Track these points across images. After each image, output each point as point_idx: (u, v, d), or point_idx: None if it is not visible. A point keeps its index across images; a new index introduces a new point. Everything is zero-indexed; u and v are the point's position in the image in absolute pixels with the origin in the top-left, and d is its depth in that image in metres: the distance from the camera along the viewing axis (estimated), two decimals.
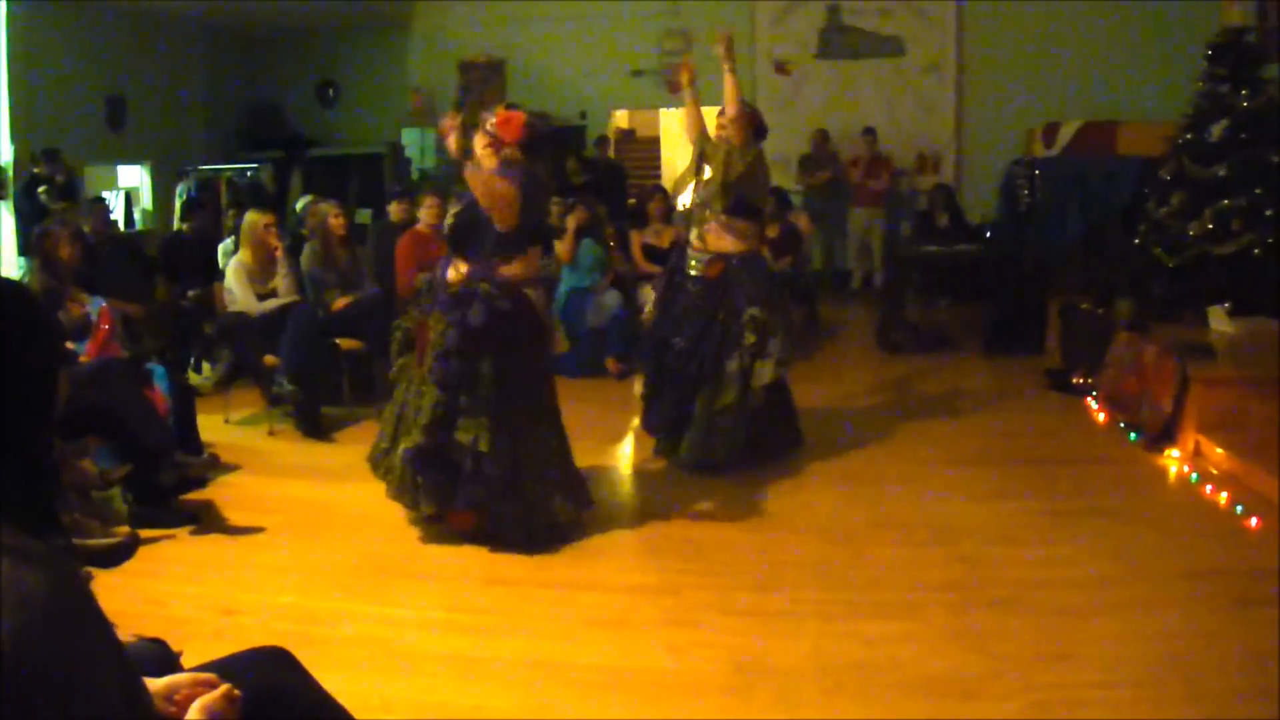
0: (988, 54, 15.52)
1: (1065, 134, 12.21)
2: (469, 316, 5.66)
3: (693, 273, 7.25)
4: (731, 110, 7.19)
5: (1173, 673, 4.38)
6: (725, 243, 7.17)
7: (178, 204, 13.71)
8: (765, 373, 7.02)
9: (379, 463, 6.15)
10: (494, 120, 5.85)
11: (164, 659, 2.73)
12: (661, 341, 7.34)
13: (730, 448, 7.11)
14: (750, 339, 6.99)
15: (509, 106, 6.03)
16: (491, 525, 5.79)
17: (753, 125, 7.24)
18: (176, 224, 13.00)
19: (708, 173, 7.31)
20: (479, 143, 5.87)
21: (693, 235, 7.34)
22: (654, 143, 19.77)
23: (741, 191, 7.07)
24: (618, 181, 14.88)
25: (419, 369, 5.95)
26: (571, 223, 10.73)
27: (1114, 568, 5.49)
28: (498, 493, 5.68)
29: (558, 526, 5.86)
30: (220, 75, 16.37)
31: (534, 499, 5.77)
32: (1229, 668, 4.41)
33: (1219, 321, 8.89)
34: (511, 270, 5.76)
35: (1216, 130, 9.35)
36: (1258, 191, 9.06)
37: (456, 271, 5.86)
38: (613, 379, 9.98)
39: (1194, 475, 6.92)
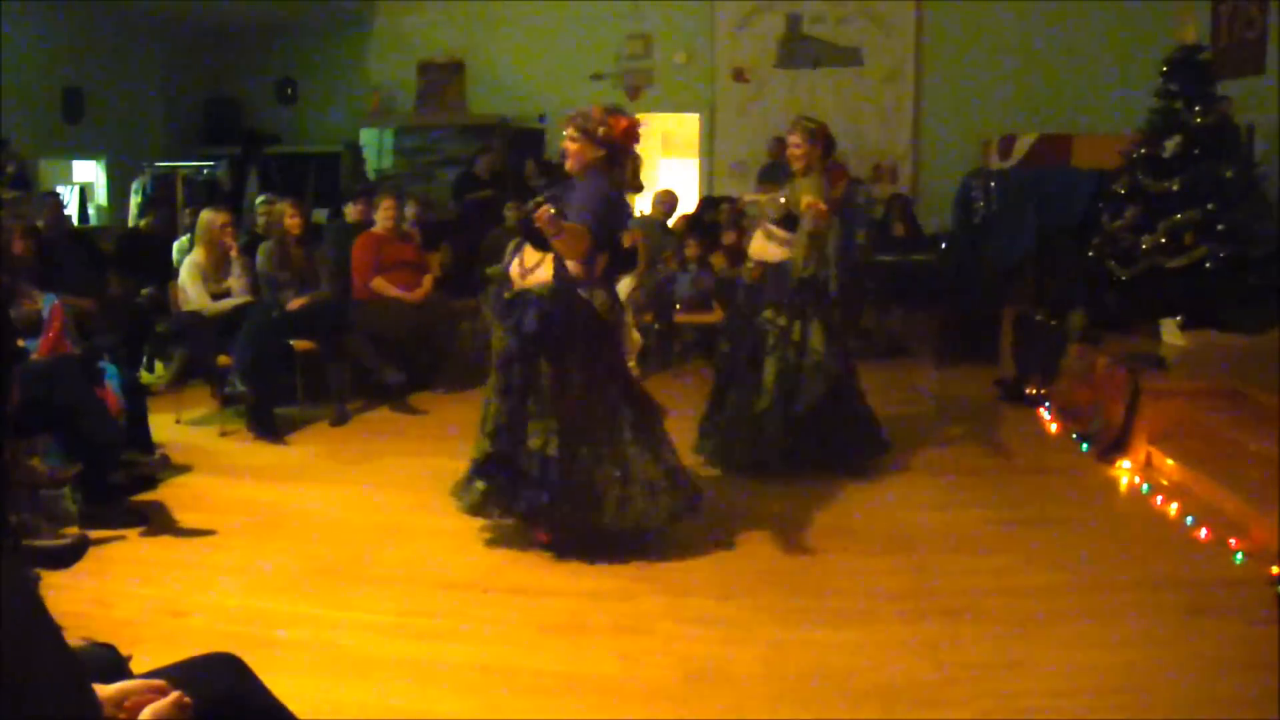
0: (946, 66, 15.62)
1: (1021, 146, 12.27)
2: (524, 322, 5.58)
3: (745, 280, 7.54)
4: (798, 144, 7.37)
5: (1124, 682, 4.43)
6: (768, 251, 7.34)
7: (133, 200, 13.65)
8: (812, 383, 7.11)
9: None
10: (607, 120, 5.80)
11: (113, 664, 2.73)
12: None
13: (768, 450, 7.19)
14: (770, 339, 7.12)
15: (611, 111, 5.94)
16: (553, 531, 5.77)
17: (821, 145, 7.39)
18: (132, 220, 12.95)
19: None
20: (572, 136, 5.79)
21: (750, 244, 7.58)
22: None
23: (794, 210, 7.19)
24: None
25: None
26: (509, 223, 10.82)
27: (1066, 577, 5.55)
28: (560, 498, 5.60)
29: (627, 533, 5.74)
30: (179, 70, 16.26)
31: (603, 505, 5.65)
32: (1180, 677, 4.46)
33: (1171, 334, 8.97)
34: (571, 272, 5.61)
35: (1170, 145, 9.44)
36: (1210, 206, 9.15)
37: (521, 266, 5.76)
38: None
39: (1145, 486, 7.00)
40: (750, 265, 7.49)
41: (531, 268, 5.67)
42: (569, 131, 5.79)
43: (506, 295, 5.78)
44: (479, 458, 5.81)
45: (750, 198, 8.12)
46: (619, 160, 5.88)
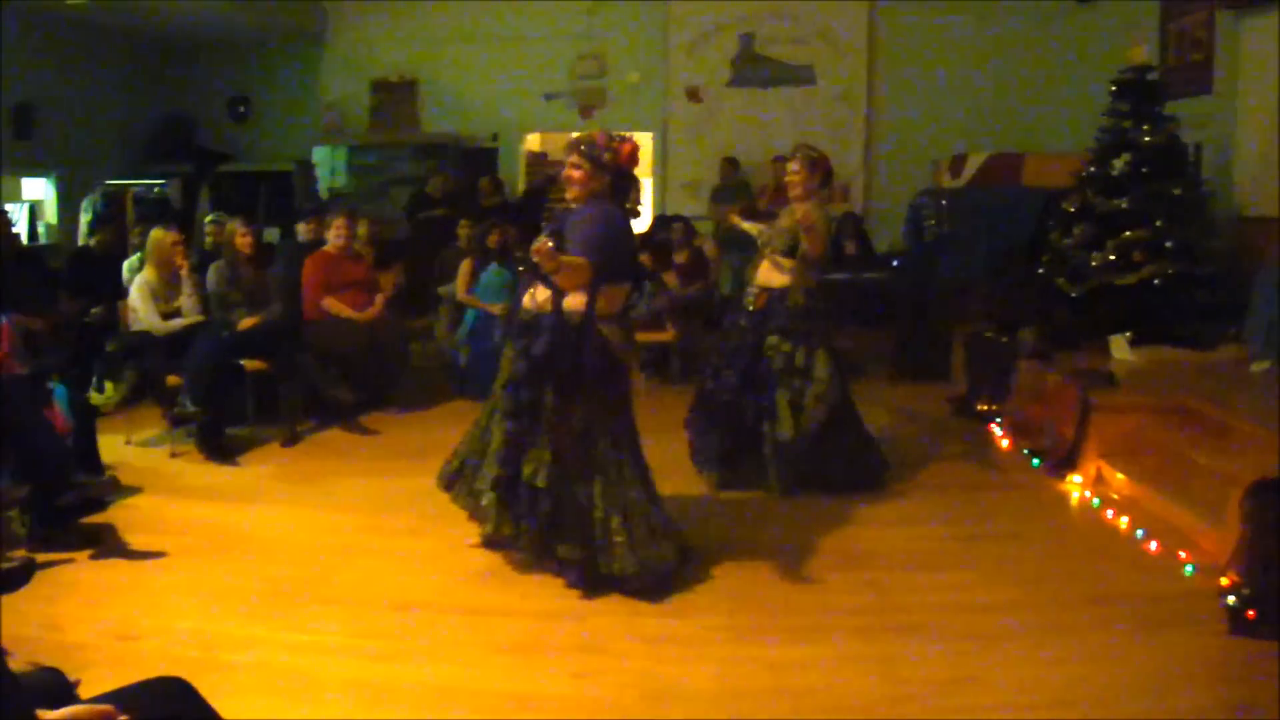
0: (898, 86, 15.76)
1: (972, 165, 12.36)
2: (533, 346, 5.52)
3: (748, 307, 7.44)
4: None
5: (1077, 695, 4.48)
6: (773, 278, 7.33)
7: (84, 218, 13.53)
8: (814, 412, 7.16)
9: (454, 482, 6.04)
10: (612, 145, 5.71)
11: (60, 688, 2.71)
12: (714, 375, 7.54)
13: (795, 476, 7.23)
14: (776, 365, 7.15)
15: (615, 136, 5.82)
16: (548, 560, 5.69)
17: (820, 173, 7.42)
18: (82, 239, 12.83)
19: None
20: (576, 164, 5.67)
21: (755, 272, 7.53)
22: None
23: (799, 241, 7.21)
24: (541, 194, 14.83)
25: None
26: (463, 242, 10.84)
27: (1018, 592, 5.60)
28: (550, 531, 5.55)
29: (632, 579, 5.54)
30: (131, 87, 16.12)
31: (611, 548, 5.50)
32: (1131, 689, 4.52)
33: (1120, 350, 9.07)
34: (574, 303, 5.51)
35: (1119, 164, 9.57)
36: (1158, 224, 9.29)
37: (533, 299, 5.67)
38: None
39: (1096, 500, 7.07)
40: (755, 292, 7.45)
41: (543, 301, 5.59)
42: (573, 159, 5.68)
43: (523, 317, 5.71)
44: (493, 478, 5.74)
45: (746, 226, 8.10)
46: (624, 185, 5.83)
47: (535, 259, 5.29)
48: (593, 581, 5.53)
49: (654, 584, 5.55)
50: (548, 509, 5.51)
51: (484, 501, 5.76)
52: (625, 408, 5.83)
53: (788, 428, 7.13)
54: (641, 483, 5.76)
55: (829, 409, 7.19)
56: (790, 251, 7.26)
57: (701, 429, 7.61)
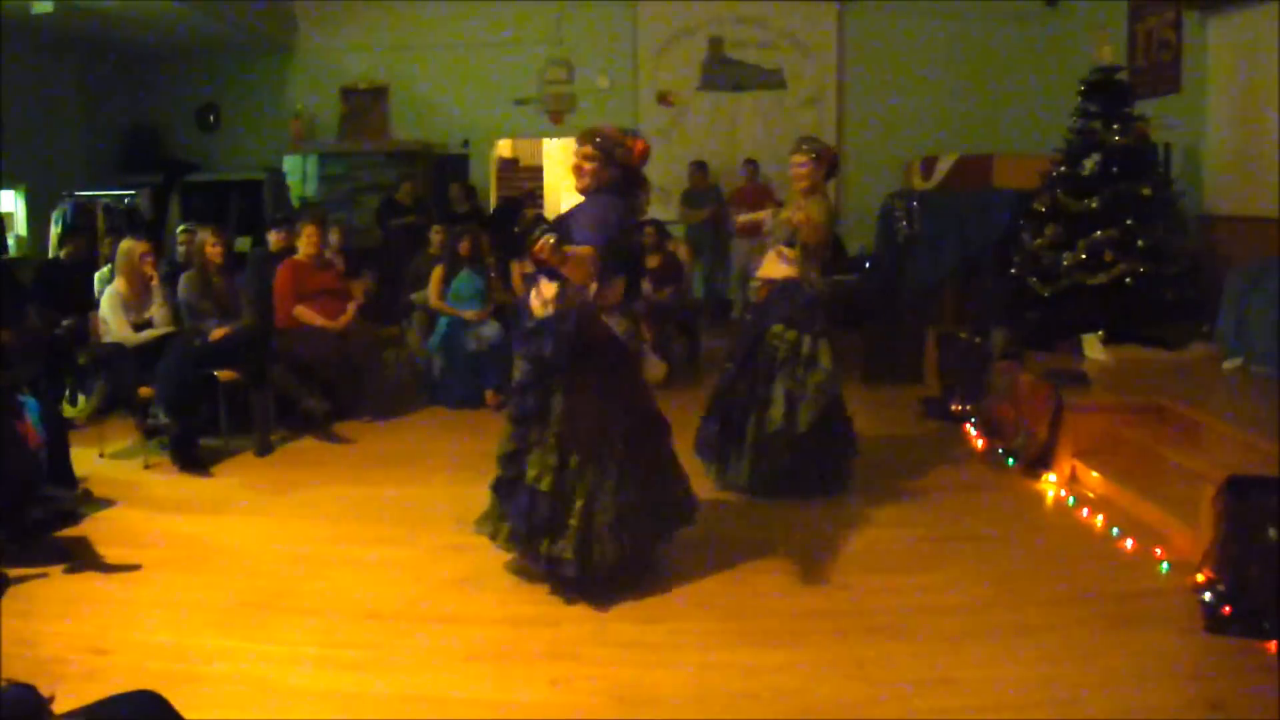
0: (867, 89, 15.83)
1: (942, 167, 12.37)
2: (542, 348, 5.51)
3: (751, 299, 7.60)
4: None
5: (1052, 694, 4.49)
6: (776, 270, 7.37)
7: (53, 230, 13.46)
8: (814, 402, 7.15)
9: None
10: (625, 141, 5.71)
11: (34, 706, 2.69)
12: (724, 369, 7.64)
13: (776, 474, 7.24)
14: (780, 354, 7.16)
15: (628, 132, 5.83)
16: (539, 563, 5.63)
17: (825, 166, 7.42)
18: (52, 250, 12.77)
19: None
20: (589, 155, 5.65)
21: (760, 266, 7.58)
22: (537, 172, 19.76)
23: (799, 236, 7.24)
24: (512, 212, 14.81)
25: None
26: (434, 249, 10.84)
27: (993, 592, 5.61)
28: (544, 534, 5.52)
29: (617, 568, 5.58)
30: (99, 97, 16.03)
31: (601, 542, 5.51)
32: (1107, 688, 4.53)
33: (1092, 349, 9.11)
34: (581, 297, 5.51)
35: (1089, 164, 9.60)
36: (1128, 223, 9.32)
37: (540, 296, 5.63)
38: (492, 410, 9.93)
39: (1070, 499, 7.11)
40: (757, 285, 7.53)
41: (551, 298, 5.56)
42: (585, 150, 5.66)
43: (529, 325, 5.69)
44: (494, 482, 5.81)
45: (745, 218, 8.13)
46: (632, 183, 5.82)
47: (540, 257, 5.23)
48: (582, 580, 5.53)
49: (609, 580, 5.59)
50: (545, 513, 5.49)
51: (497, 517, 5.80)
52: (638, 394, 5.85)
53: (779, 416, 7.12)
54: (650, 466, 5.76)
55: (827, 400, 7.19)
56: (792, 242, 7.28)
57: (708, 422, 7.61)
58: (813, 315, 7.22)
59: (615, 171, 5.67)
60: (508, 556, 5.90)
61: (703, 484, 7.04)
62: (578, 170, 5.72)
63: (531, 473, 5.54)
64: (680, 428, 6.38)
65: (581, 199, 5.76)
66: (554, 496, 5.49)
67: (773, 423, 7.14)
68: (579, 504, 5.49)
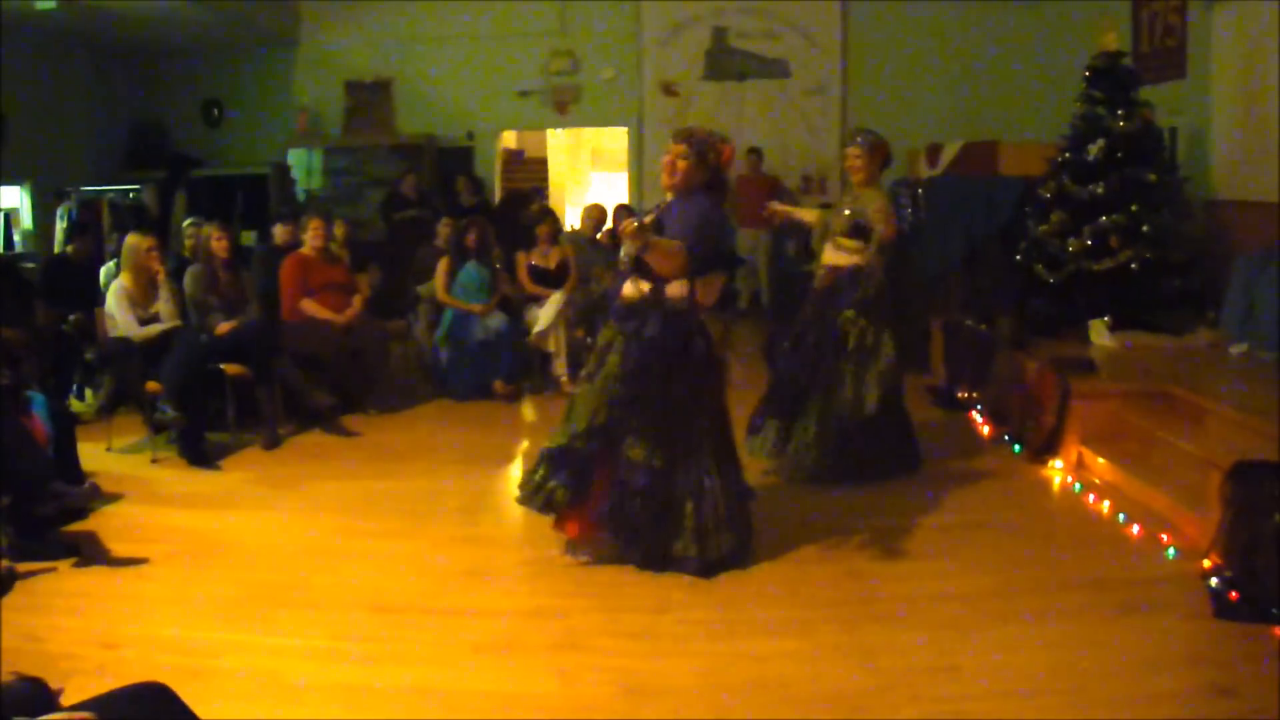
0: (872, 77, 15.78)
1: (948, 154, 12.35)
2: (645, 328, 5.53)
3: (816, 284, 7.59)
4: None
5: (1060, 681, 4.48)
6: (839, 258, 7.44)
7: (59, 226, 13.47)
8: (876, 390, 7.24)
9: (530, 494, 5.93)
10: (717, 142, 5.74)
11: (42, 699, 2.70)
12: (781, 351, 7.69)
13: (842, 461, 7.28)
14: (850, 341, 7.20)
15: (719, 136, 5.85)
16: (618, 541, 5.71)
17: (880, 158, 7.53)
18: (58, 246, 12.79)
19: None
20: (684, 154, 5.66)
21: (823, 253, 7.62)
22: (542, 164, 19.77)
23: (860, 220, 7.32)
24: (519, 205, 14.82)
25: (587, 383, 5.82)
26: (441, 241, 10.89)
27: (1000, 579, 5.62)
28: (651, 513, 5.59)
29: (691, 561, 5.64)
30: (103, 93, 16.05)
31: (682, 531, 5.61)
32: (1115, 674, 4.54)
33: (1099, 336, 9.11)
34: (676, 290, 5.55)
35: (1094, 150, 9.59)
36: (1134, 209, 9.31)
37: (636, 288, 5.67)
38: (500, 401, 9.94)
39: (1077, 486, 7.12)
40: (822, 272, 7.56)
41: (648, 291, 5.61)
42: (680, 149, 5.67)
43: (627, 304, 5.71)
44: (554, 448, 5.73)
45: (798, 214, 8.14)
46: (718, 187, 5.82)
47: (624, 237, 5.27)
48: (661, 562, 5.63)
49: (707, 569, 5.64)
50: (659, 491, 5.56)
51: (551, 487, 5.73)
52: (720, 395, 5.86)
53: (848, 399, 7.22)
54: (723, 473, 5.75)
55: (886, 391, 7.28)
56: (853, 233, 7.34)
57: (768, 409, 7.63)
58: (882, 304, 7.30)
59: (705, 175, 5.70)
60: (516, 549, 5.90)
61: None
62: (670, 168, 5.72)
63: (638, 452, 5.57)
64: None
65: (671, 197, 5.80)
66: (663, 477, 5.56)
67: (842, 405, 7.22)
68: (688, 500, 5.58)
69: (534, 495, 5.79)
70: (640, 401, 5.58)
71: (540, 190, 18.13)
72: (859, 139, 7.47)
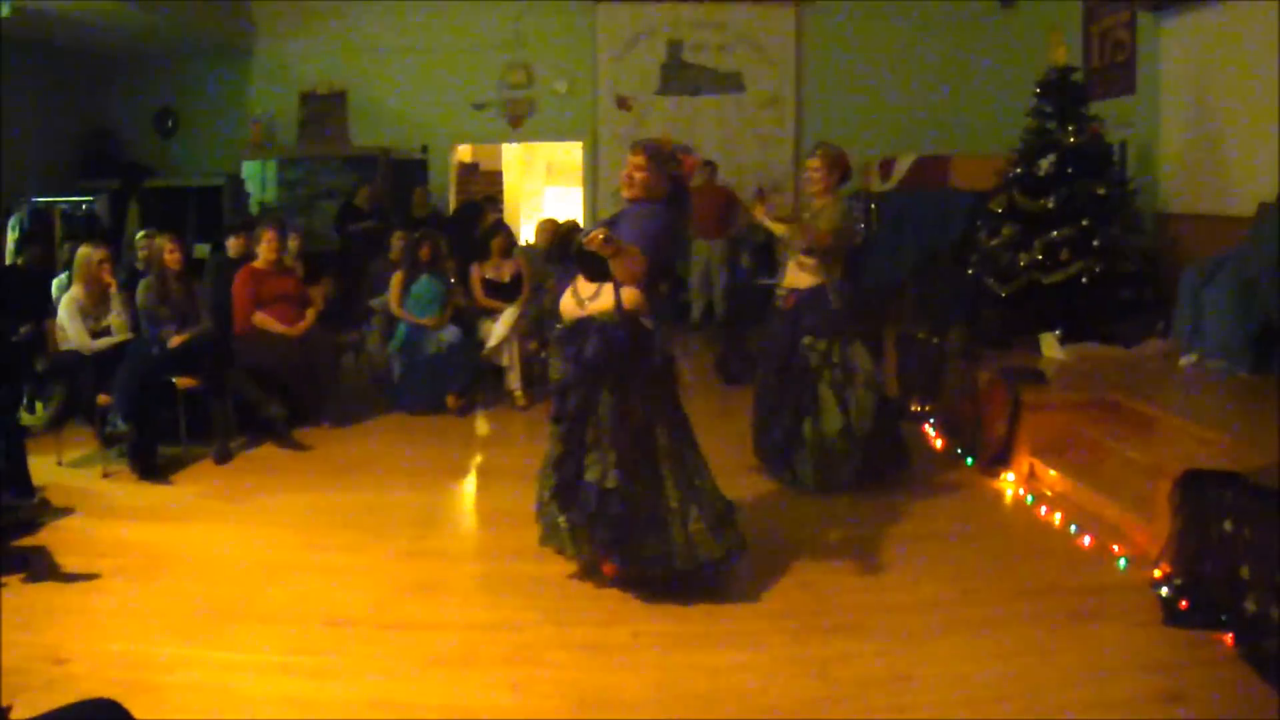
0: (825, 91, 15.91)
1: (900, 168, 12.47)
2: (584, 349, 5.44)
3: (778, 305, 7.63)
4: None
5: (1014, 690, 4.52)
6: (800, 279, 7.46)
7: (10, 236, 13.36)
8: (866, 401, 7.32)
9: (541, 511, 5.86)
10: (678, 156, 5.72)
11: None
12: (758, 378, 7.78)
13: (844, 471, 7.35)
14: (813, 364, 7.28)
15: (682, 149, 5.85)
16: (627, 566, 5.61)
17: (839, 171, 7.52)
18: (9, 257, 12.69)
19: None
20: (641, 165, 5.61)
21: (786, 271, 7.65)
22: (496, 176, 19.77)
23: (814, 245, 7.36)
24: (472, 217, 14.80)
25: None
26: (395, 254, 10.86)
27: (952, 589, 5.65)
28: (626, 532, 5.48)
29: (702, 567, 5.59)
30: (55, 102, 15.88)
31: (674, 538, 5.52)
32: (1068, 682, 4.58)
33: (1049, 348, 9.18)
34: (629, 298, 5.43)
35: (1044, 164, 9.69)
36: (1084, 222, 9.41)
37: (576, 296, 5.58)
38: (452, 415, 9.92)
39: (1029, 497, 7.17)
40: (783, 294, 7.59)
41: (590, 297, 5.52)
42: (638, 160, 5.62)
43: (564, 325, 5.66)
44: (548, 490, 5.69)
45: (771, 225, 8.14)
46: (679, 200, 5.79)
47: (591, 248, 5.21)
48: (669, 576, 5.55)
49: (724, 571, 5.66)
50: (618, 511, 5.45)
51: (561, 523, 5.66)
52: (677, 399, 5.80)
53: (835, 423, 7.28)
54: (702, 476, 5.72)
55: (875, 399, 7.38)
56: (811, 251, 7.37)
57: (768, 431, 7.68)
58: (838, 321, 7.33)
59: (665, 187, 5.67)
60: (469, 563, 5.89)
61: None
62: (629, 180, 5.67)
63: (593, 474, 5.49)
64: None
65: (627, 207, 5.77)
66: (624, 494, 5.45)
67: (831, 429, 7.28)
68: (655, 503, 5.51)
69: (549, 537, 5.79)
70: (585, 419, 5.51)
71: (494, 200, 18.12)
72: (817, 151, 7.50)
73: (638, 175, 5.63)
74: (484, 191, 18.56)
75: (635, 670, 4.78)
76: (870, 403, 7.35)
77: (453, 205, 16.32)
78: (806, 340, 7.31)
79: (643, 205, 5.65)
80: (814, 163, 7.48)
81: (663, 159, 5.66)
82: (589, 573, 5.78)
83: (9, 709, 2.77)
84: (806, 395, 7.34)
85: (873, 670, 4.74)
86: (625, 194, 5.74)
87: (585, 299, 5.53)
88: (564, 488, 5.60)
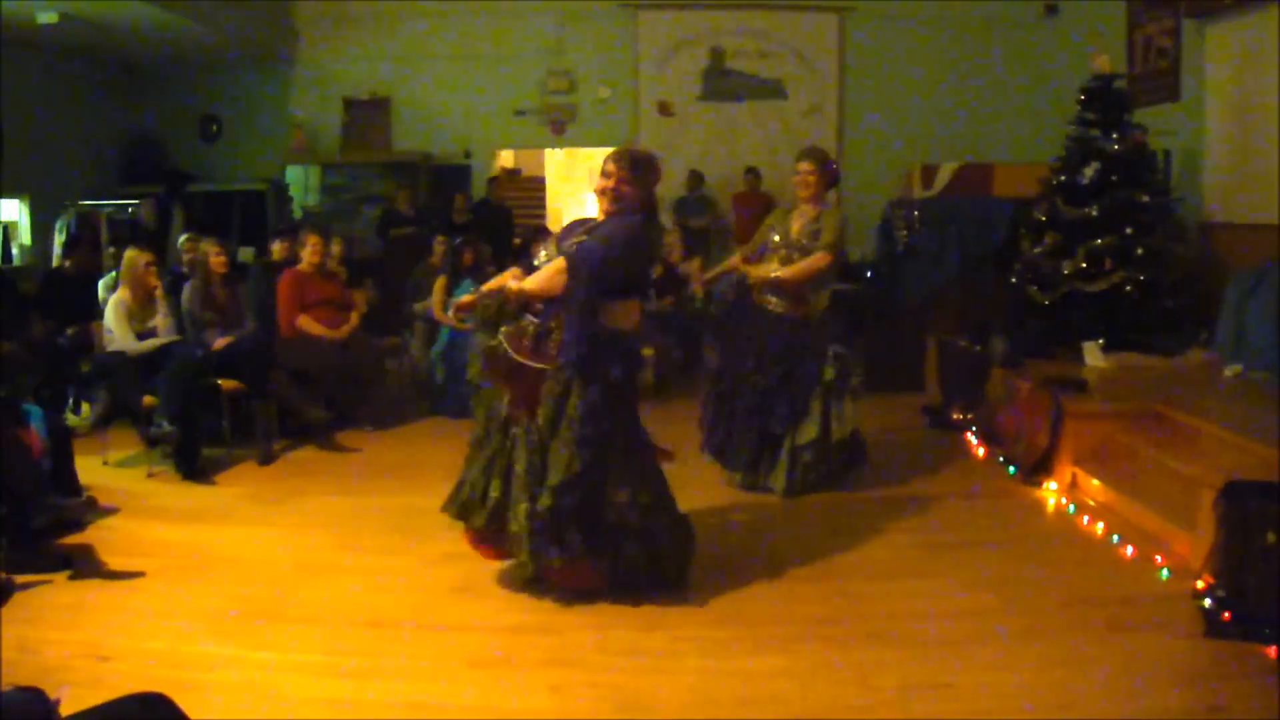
0: (867, 98, 15.88)
1: (943, 176, 12.41)
2: (611, 372, 5.38)
3: (772, 310, 7.50)
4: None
5: (1051, 700, 4.50)
6: (773, 270, 7.45)
7: (57, 240, 13.46)
8: (848, 410, 7.42)
9: (473, 511, 5.75)
10: (656, 167, 5.77)
11: (39, 709, 2.71)
12: (734, 372, 7.59)
13: (813, 478, 7.43)
14: (830, 374, 7.32)
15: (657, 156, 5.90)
16: (620, 573, 5.57)
17: (829, 178, 7.59)
18: (55, 260, 12.78)
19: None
20: (625, 178, 5.56)
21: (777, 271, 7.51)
22: (539, 183, 19.80)
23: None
24: (503, 222, 14.86)
25: (528, 420, 5.50)
26: (436, 259, 10.91)
27: (992, 598, 5.63)
28: (631, 540, 5.51)
29: (684, 570, 5.72)
30: (101, 108, 16.02)
31: (661, 543, 5.60)
32: (1107, 693, 4.55)
33: (1092, 357, 9.13)
34: (620, 313, 5.50)
35: (1088, 172, 9.63)
36: (1128, 231, 9.35)
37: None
38: None
39: (1071, 506, 7.14)
40: (774, 301, 7.55)
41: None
42: (621, 173, 5.57)
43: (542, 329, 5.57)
44: (549, 507, 5.38)
45: (722, 268, 8.15)
46: (650, 208, 5.78)
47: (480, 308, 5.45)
48: (650, 582, 5.60)
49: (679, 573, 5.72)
50: (636, 521, 5.48)
51: (514, 529, 5.51)
52: (635, 408, 5.77)
53: (815, 433, 7.33)
54: (661, 483, 5.74)
55: (855, 408, 7.46)
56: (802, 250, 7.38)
57: (713, 420, 7.70)
58: (831, 330, 7.45)
59: (640, 193, 5.64)
60: (510, 566, 5.88)
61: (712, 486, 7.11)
62: (614, 193, 5.59)
63: (622, 495, 5.46)
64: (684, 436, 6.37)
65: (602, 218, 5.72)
66: (637, 509, 5.49)
67: (806, 438, 7.35)
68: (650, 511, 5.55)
69: (534, 551, 5.52)
70: (609, 443, 5.46)
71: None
72: (810, 156, 7.53)
73: (622, 189, 5.59)
74: (527, 197, 18.63)
75: (673, 675, 4.78)
76: (852, 412, 7.41)
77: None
78: (836, 349, 7.38)
79: (616, 215, 5.59)
80: (808, 165, 7.48)
81: (644, 173, 5.64)
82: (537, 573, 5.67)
83: (58, 703, 2.80)
84: (800, 402, 7.36)
85: (912, 677, 4.72)
86: (605, 207, 5.65)
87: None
88: (572, 507, 5.42)
